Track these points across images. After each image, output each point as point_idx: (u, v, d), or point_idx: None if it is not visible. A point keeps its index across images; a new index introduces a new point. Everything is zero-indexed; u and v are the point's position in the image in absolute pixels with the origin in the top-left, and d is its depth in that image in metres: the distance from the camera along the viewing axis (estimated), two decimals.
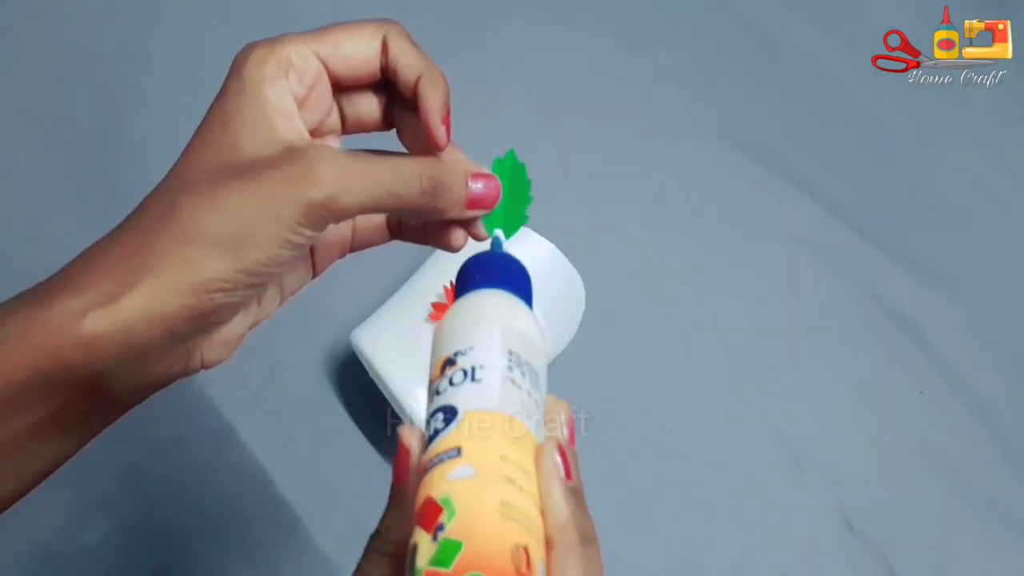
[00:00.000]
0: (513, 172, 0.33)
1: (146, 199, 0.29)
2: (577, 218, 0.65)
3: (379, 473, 0.57)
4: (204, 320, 0.28)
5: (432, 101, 0.30)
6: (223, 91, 0.30)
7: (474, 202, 0.31)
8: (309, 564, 0.55)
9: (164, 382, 0.31)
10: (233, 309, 0.30)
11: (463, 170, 0.31)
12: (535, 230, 0.56)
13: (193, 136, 0.30)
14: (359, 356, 0.54)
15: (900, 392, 0.64)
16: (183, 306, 0.27)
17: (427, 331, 0.52)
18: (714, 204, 0.69)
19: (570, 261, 0.56)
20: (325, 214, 0.28)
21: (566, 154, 0.69)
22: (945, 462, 0.62)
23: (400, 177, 0.29)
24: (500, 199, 0.32)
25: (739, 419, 0.62)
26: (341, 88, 0.32)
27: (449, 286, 0.52)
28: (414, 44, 0.32)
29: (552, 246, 0.56)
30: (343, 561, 0.49)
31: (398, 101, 0.33)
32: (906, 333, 0.65)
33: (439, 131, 0.30)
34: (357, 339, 0.53)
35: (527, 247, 0.56)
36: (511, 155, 0.32)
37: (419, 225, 0.35)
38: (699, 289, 0.66)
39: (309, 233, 0.28)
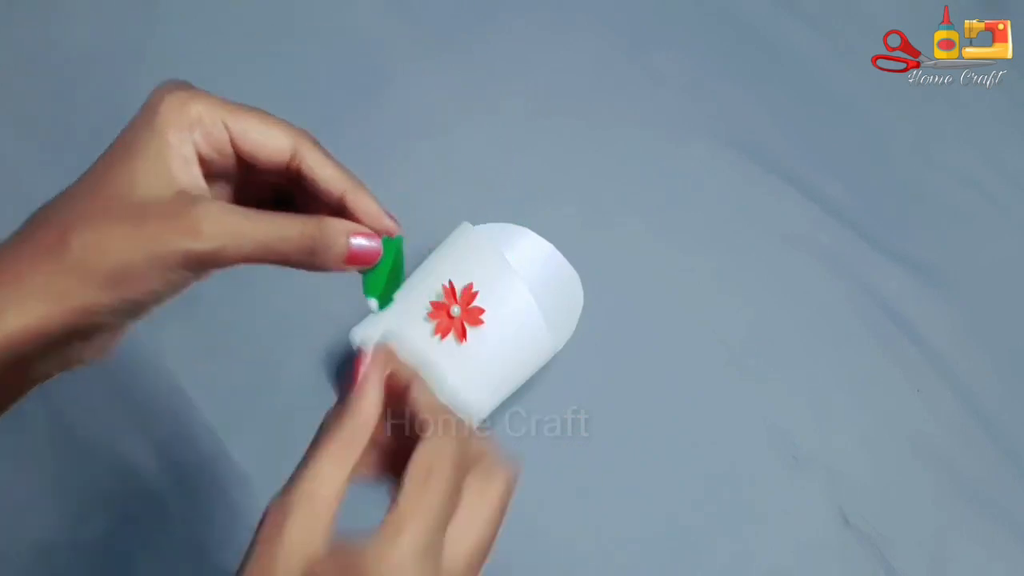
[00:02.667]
0: (396, 256, 0.34)
1: (36, 221, 0.31)
2: (575, 218, 0.66)
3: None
4: (84, 334, 0.30)
5: (371, 209, 0.33)
6: (133, 124, 0.32)
7: (353, 257, 0.33)
8: None
9: (45, 378, 0.32)
10: (113, 327, 0.31)
11: (344, 230, 0.32)
12: (534, 230, 0.56)
13: (96, 163, 0.31)
14: None
15: (897, 390, 0.64)
16: (64, 323, 0.29)
17: (427, 330, 0.52)
18: (712, 204, 0.69)
19: (568, 261, 0.56)
20: (207, 263, 0.30)
21: (565, 155, 0.69)
22: (941, 459, 0.62)
23: (280, 236, 0.31)
24: (379, 258, 0.33)
25: (737, 417, 0.62)
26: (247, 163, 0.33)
27: (448, 285, 0.52)
28: (329, 155, 0.33)
29: (551, 246, 0.56)
30: None
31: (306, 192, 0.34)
32: (903, 332, 0.66)
33: (391, 226, 0.34)
34: (356, 338, 0.53)
35: (526, 247, 0.56)
36: (399, 240, 0.34)
37: None
38: (697, 289, 0.66)
39: (190, 275, 0.30)
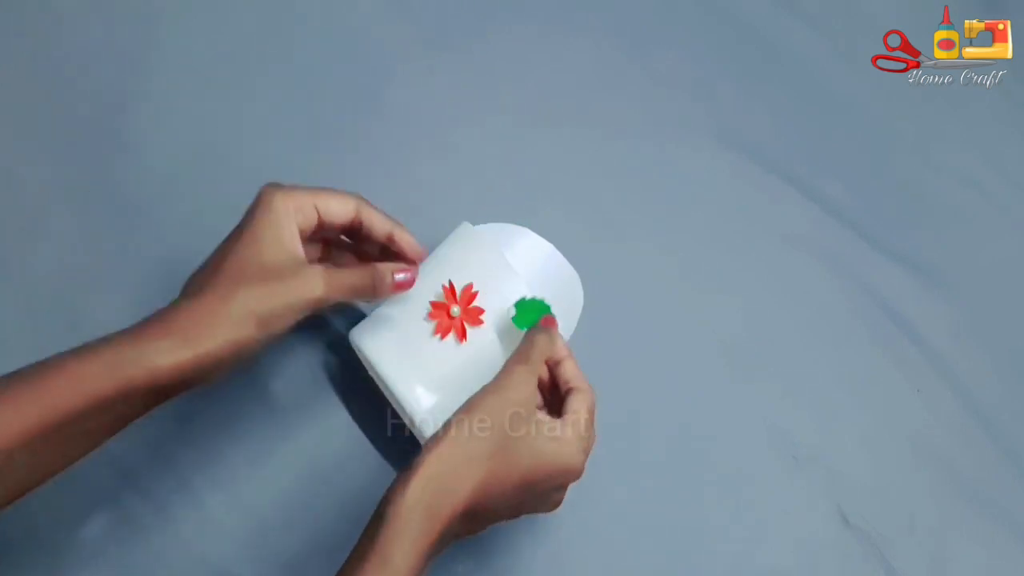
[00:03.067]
0: (535, 308, 0.52)
1: (194, 287, 0.46)
2: (576, 219, 0.66)
3: (379, 472, 0.58)
4: (234, 362, 0.45)
5: (410, 244, 0.53)
6: (253, 214, 0.47)
7: (398, 286, 0.52)
8: (308, 562, 0.56)
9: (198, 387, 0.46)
10: (250, 357, 0.46)
11: (392, 269, 0.51)
12: (534, 230, 0.56)
13: (227, 243, 0.47)
14: (358, 355, 0.54)
15: (896, 390, 0.64)
16: (231, 353, 0.44)
17: (426, 330, 0.52)
18: (712, 204, 0.69)
19: (568, 261, 0.56)
20: (319, 305, 0.47)
21: (565, 155, 0.69)
22: (941, 458, 0.62)
23: (358, 281, 0.50)
24: (413, 284, 0.52)
25: (737, 417, 0.62)
26: (324, 228, 0.51)
27: (448, 285, 0.52)
28: (378, 208, 0.52)
29: (551, 246, 0.56)
30: (341, 560, 0.49)
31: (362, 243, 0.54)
32: (903, 332, 0.66)
33: (421, 255, 0.54)
34: (356, 338, 0.53)
35: (526, 247, 0.56)
36: (549, 308, 0.53)
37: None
38: (697, 289, 0.66)
39: (308, 314, 0.47)
